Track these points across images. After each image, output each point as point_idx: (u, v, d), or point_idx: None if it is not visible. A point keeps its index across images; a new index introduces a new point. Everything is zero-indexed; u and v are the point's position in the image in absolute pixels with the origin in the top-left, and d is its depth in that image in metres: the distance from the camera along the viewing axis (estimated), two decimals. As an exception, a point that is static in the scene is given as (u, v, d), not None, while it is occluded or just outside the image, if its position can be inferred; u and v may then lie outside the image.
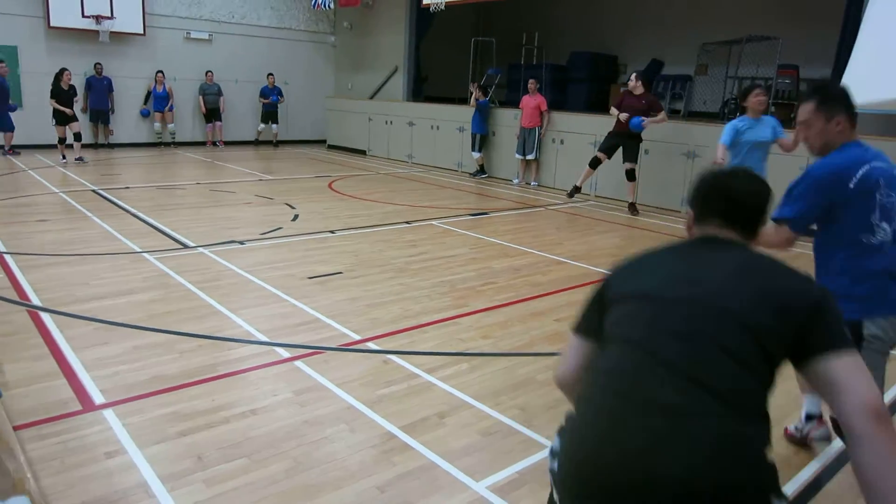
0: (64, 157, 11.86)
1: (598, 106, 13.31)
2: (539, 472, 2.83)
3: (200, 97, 15.24)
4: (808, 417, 3.17)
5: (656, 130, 9.26)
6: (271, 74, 15.85)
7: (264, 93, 15.80)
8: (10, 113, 12.10)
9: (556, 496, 1.58)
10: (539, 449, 3.01)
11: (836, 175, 2.53)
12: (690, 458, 1.32)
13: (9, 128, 12.17)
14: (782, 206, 2.62)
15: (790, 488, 2.83)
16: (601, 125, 10.03)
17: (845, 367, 1.43)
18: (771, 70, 10.31)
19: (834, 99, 2.60)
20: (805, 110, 2.65)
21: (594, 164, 9.45)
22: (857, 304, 2.51)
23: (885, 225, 2.53)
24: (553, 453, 1.58)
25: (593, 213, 9.38)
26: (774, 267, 1.60)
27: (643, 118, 8.84)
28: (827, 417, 3.14)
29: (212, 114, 15.40)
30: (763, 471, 1.38)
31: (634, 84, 8.97)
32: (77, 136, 12.07)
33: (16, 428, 2.93)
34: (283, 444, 2.95)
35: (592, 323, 1.73)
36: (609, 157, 9.40)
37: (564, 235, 7.69)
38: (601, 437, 1.42)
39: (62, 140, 11.98)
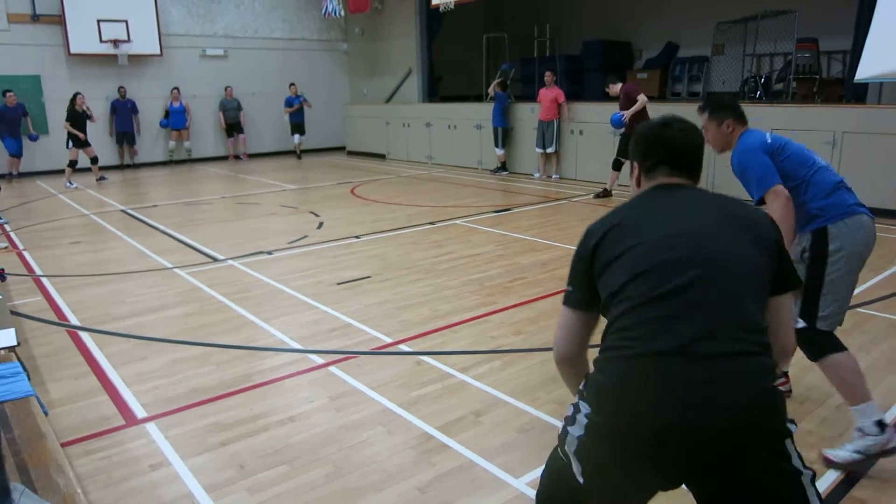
0: (70, 183, 11.67)
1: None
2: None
3: (220, 113, 15.42)
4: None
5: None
6: (293, 84, 15.82)
7: (290, 102, 15.72)
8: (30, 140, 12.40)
9: (575, 467, 1.56)
10: None
11: (758, 142, 2.92)
12: (741, 395, 1.42)
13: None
14: (759, 185, 2.86)
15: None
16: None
17: (788, 305, 1.67)
18: (790, 44, 10.14)
19: (721, 108, 3.02)
20: (702, 119, 3.03)
21: (616, 166, 9.46)
22: (823, 214, 2.82)
23: (815, 157, 2.93)
24: (571, 421, 1.58)
25: (618, 203, 9.30)
26: (736, 202, 1.74)
27: (622, 113, 9.01)
28: None
29: (233, 128, 15.56)
30: (781, 397, 1.52)
31: (613, 89, 9.41)
32: (94, 160, 12.27)
33: (63, 445, 3.00)
34: (321, 450, 2.98)
35: (587, 293, 1.74)
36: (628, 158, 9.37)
37: (589, 226, 7.66)
38: (651, 393, 1.45)
39: (72, 163, 11.81)
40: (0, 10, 12.93)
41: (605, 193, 9.66)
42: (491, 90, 12.39)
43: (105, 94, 14.06)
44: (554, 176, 11.66)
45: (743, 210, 1.70)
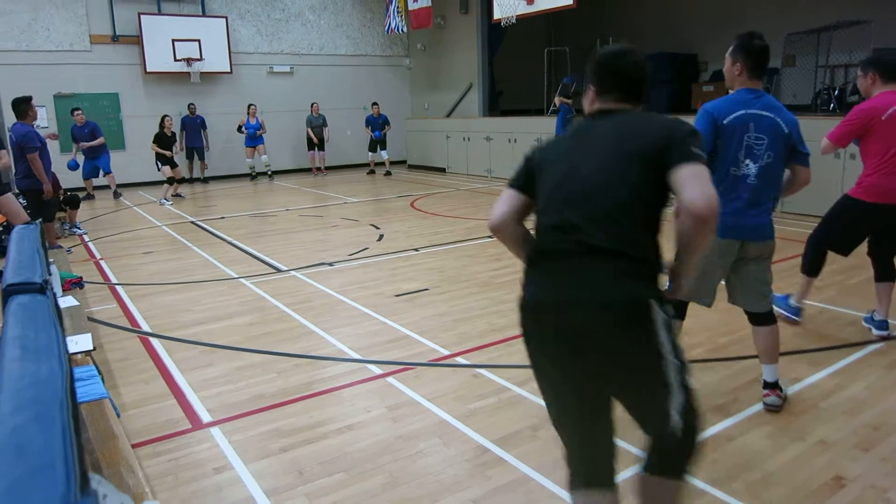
0: (166, 200, 11.99)
1: (680, 107, 12.98)
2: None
3: (308, 129, 15.47)
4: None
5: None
6: (376, 104, 15.62)
7: (370, 122, 15.56)
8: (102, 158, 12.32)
9: (527, 346, 1.96)
10: (636, 461, 2.94)
11: (713, 114, 3.17)
12: (604, 286, 1.80)
13: (106, 170, 12.44)
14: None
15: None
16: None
17: (686, 174, 1.82)
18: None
19: (738, 48, 3.21)
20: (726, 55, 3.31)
21: None
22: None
23: (748, 162, 3.14)
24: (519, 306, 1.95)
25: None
26: (647, 124, 1.98)
27: None
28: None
29: (317, 143, 15.63)
30: (654, 288, 1.84)
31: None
32: (181, 180, 12.84)
33: (133, 446, 3.12)
34: (378, 459, 3.02)
35: (522, 181, 2.11)
36: None
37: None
38: (554, 281, 1.88)
39: (170, 180, 12.19)
40: (83, 32, 13.70)
41: None
42: (557, 102, 12.36)
43: (178, 110, 14.66)
44: None
45: (647, 139, 1.93)
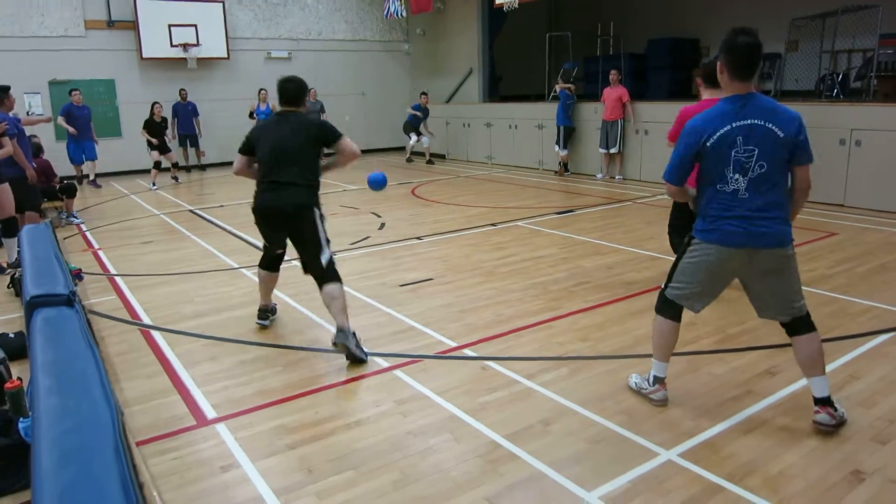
0: (154, 185, 12.17)
1: (681, 93, 12.86)
2: (653, 481, 2.72)
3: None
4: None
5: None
6: (425, 94, 15.02)
7: (421, 111, 14.91)
8: (93, 143, 12.38)
9: (258, 223, 4.32)
10: (651, 456, 2.90)
11: (694, 136, 3.01)
12: (293, 198, 4.02)
13: (91, 157, 12.45)
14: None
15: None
16: (687, 112, 9.67)
17: (344, 142, 4.21)
18: (871, 40, 9.64)
19: (721, 46, 2.99)
20: None
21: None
22: (704, 234, 3.08)
23: (738, 176, 2.95)
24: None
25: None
26: (309, 121, 4.23)
27: None
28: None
29: None
30: (315, 202, 4.10)
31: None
32: (174, 165, 12.97)
33: (138, 444, 3.06)
34: (388, 456, 2.96)
35: (247, 149, 4.25)
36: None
37: (656, 230, 7.42)
38: (269, 194, 4.09)
39: (157, 164, 12.37)
40: (78, 17, 13.50)
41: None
42: (557, 89, 12.24)
43: (174, 97, 14.47)
44: (617, 177, 11.43)
45: (314, 130, 4.18)
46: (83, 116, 12.12)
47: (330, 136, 4.11)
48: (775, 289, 3.06)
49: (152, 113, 12.76)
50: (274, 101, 14.93)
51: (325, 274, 4.04)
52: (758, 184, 2.94)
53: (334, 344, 3.92)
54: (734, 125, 2.93)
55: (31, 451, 1.18)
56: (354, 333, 3.99)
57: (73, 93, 12.10)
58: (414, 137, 14.89)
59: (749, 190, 2.95)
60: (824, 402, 3.07)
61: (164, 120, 13.01)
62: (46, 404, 1.01)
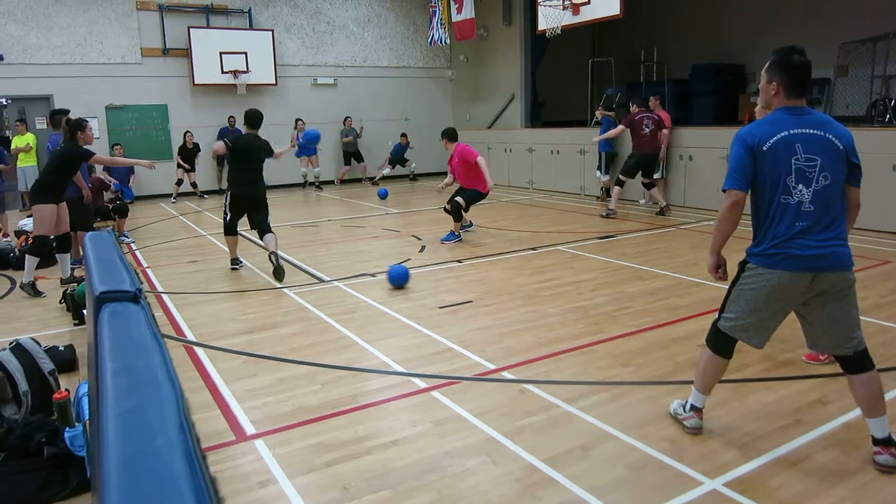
0: (175, 199, 14.18)
1: (725, 119, 12.70)
2: (697, 509, 2.63)
3: (343, 140, 16.09)
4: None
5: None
6: (404, 135, 16.40)
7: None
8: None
9: (235, 206, 7.12)
10: (695, 485, 2.81)
11: (747, 140, 2.89)
12: (262, 189, 7.14)
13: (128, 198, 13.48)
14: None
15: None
16: (730, 138, 9.52)
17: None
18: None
19: (774, 64, 2.93)
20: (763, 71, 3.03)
21: (619, 184, 10.27)
22: (765, 258, 2.91)
23: (801, 187, 2.81)
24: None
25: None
26: (263, 139, 7.16)
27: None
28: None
29: (353, 156, 16.22)
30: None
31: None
32: (193, 185, 14.52)
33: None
34: (425, 476, 2.94)
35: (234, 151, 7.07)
36: (632, 178, 10.28)
37: (700, 255, 7.29)
38: (245, 185, 7.00)
39: (180, 182, 14.26)
40: (135, 45, 14.07)
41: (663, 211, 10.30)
42: (598, 115, 12.20)
43: (224, 122, 14.90)
44: (641, 201, 11.29)
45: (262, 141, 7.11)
46: (122, 170, 13.15)
47: (269, 149, 7.12)
48: (834, 317, 2.89)
49: (185, 140, 14.29)
50: (307, 128, 15.85)
51: (268, 227, 6.93)
52: (822, 197, 2.80)
53: (269, 256, 6.72)
54: (792, 131, 2.83)
55: (95, 426, 1.22)
56: (279, 256, 6.74)
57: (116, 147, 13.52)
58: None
59: (814, 203, 2.80)
60: (886, 443, 2.90)
61: (196, 145, 14.37)
62: (112, 384, 1.03)
